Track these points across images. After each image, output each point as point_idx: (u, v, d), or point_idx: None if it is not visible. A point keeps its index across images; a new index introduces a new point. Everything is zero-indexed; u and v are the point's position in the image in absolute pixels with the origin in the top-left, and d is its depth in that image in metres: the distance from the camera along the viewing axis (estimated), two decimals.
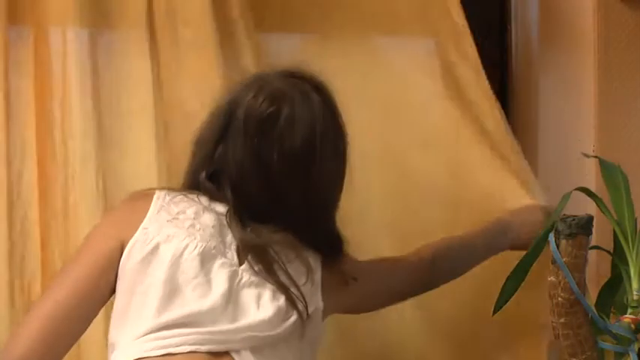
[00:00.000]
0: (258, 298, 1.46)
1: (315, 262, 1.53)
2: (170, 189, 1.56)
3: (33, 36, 1.78)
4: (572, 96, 1.96)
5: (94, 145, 1.76)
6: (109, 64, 1.81)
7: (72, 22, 1.77)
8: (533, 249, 1.58)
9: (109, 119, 1.80)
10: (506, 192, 1.88)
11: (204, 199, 1.52)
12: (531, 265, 1.59)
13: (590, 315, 1.50)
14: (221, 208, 1.52)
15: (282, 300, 1.46)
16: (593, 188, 1.63)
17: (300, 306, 1.46)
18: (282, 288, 1.46)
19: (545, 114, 2.07)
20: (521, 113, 2.16)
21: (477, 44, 2.18)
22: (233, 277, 1.46)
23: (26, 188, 1.76)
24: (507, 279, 1.63)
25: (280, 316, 1.46)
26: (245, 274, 1.47)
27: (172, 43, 1.81)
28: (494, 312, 1.63)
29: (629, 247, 1.52)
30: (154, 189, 1.56)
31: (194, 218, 1.49)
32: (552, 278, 1.49)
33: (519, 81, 2.17)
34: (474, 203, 1.88)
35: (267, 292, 1.46)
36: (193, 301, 1.43)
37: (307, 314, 1.47)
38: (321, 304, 1.52)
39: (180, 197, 1.53)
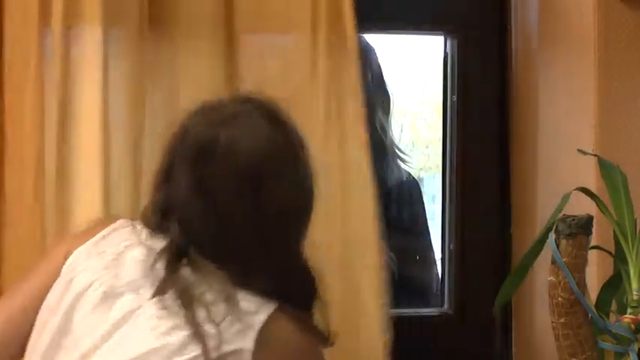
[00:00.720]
0: (150, 330, 1.38)
1: (258, 304, 1.42)
2: (138, 220, 1.51)
3: None
4: (572, 96, 1.96)
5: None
6: None
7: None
8: (534, 248, 1.58)
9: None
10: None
11: (145, 233, 1.47)
12: (531, 264, 1.59)
13: (590, 315, 1.50)
14: (159, 244, 1.45)
15: (181, 334, 1.37)
16: (592, 188, 1.63)
17: (209, 343, 1.36)
18: (190, 323, 1.37)
19: (545, 114, 2.07)
20: (522, 113, 2.16)
21: (477, 44, 2.20)
22: (131, 312, 1.39)
23: None
24: (507, 278, 1.64)
25: (169, 351, 1.36)
26: (151, 308, 1.40)
27: None
28: (496, 310, 1.63)
29: (629, 247, 1.53)
30: (123, 218, 1.52)
31: (120, 253, 1.45)
32: (552, 278, 1.50)
33: (519, 81, 2.17)
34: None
35: (165, 324, 1.38)
36: (79, 341, 1.39)
37: (217, 354, 1.36)
38: (249, 346, 1.39)
39: (127, 230, 1.49)
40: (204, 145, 1.45)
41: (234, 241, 1.44)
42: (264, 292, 1.42)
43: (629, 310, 1.52)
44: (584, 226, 1.48)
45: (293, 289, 1.47)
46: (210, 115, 1.48)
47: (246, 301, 1.41)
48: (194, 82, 1.87)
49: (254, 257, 1.45)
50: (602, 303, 1.58)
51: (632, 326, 1.50)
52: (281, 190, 1.45)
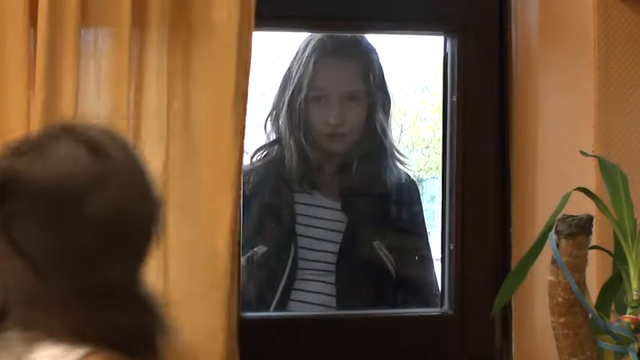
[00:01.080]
0: None
1: (56, 357, 1.28)
2: None
3: None
4: (572, 96, 1.96)
5: None
6: None
7: None
8: (534, 248, 1.58)
9: None
10: None
11: None
12: (531, 265, 1.59)
13: (590, 315, 1.50)
14: None
15: None
16: (593, 188, 1.63)
17: None
18: None
19: (545, 114, 2.07)
20: (521, 113, 2.16)
21: (477, 44, 2.20)
22: None
23: None
24: (507, 278, 1.63)
25: None
26: None
27: None
28: (495, 310, 1.63)
29: (629, 247, 1.52)
30: None
31: None
32: (552, 278, 1.50)
33: (519, 81, 2.17)
34: None
35: None
36: None
37: None
38: None
39: None
40: (3, 184, 1.32)
41: (44, 285, 1.30)
42: (78, 336, 1.29)
43: (629, 310, 1.51)
44: (584, 226, 1.48)
45: (118, 325, 1.32)
46: (10, 151, 1.35)
47: (43, 358, 1.27)
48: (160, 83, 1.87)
49: (65, 299, 1.31)
50: (602, 303, 1.58)
51: (632, 326, 1.50)
52: (91, 217, 1.30)
